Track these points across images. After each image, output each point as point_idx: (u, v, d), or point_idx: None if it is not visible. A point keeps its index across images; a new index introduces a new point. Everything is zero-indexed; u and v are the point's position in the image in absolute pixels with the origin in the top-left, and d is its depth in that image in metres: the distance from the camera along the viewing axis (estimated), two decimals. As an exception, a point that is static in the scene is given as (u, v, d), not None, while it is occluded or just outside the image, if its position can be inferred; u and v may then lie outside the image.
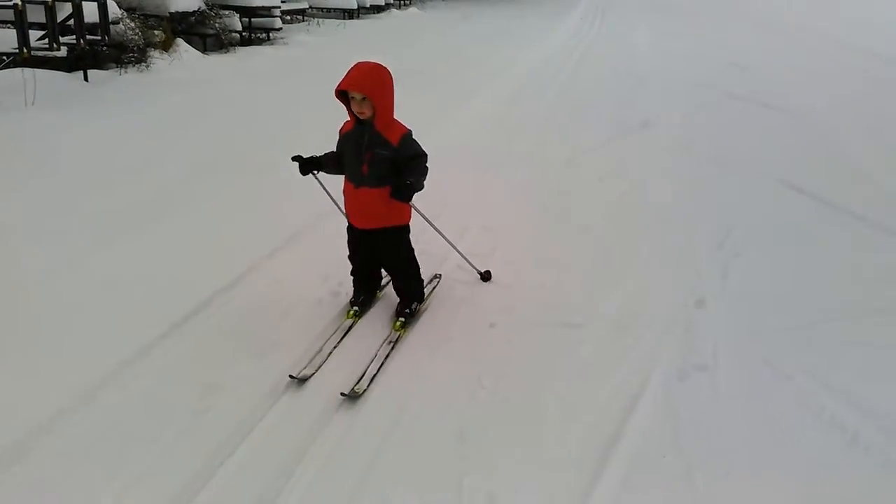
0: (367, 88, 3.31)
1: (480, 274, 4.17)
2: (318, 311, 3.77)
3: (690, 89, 10.27)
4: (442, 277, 4.16)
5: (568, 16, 19.78)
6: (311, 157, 3.66)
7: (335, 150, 3.65)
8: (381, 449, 2.74)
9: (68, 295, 3.78)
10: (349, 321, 3.69)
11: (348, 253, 3.82)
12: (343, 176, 3.62)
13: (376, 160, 3.43)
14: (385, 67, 3.41)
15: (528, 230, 4.99)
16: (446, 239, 4.02)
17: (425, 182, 3.50)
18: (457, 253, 4.16)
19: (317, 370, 3.24)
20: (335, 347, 3.44)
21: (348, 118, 3.52)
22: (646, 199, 5.68)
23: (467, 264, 4.18)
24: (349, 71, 3.34)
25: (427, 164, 3.51)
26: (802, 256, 4.62)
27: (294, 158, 3.65)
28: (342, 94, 3.40)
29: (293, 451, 2.73)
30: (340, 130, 3.61)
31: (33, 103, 7.61)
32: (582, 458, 2.73)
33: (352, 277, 3.88)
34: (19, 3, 7.49)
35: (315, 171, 3.67)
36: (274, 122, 7.60)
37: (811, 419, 2.98)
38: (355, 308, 3.77)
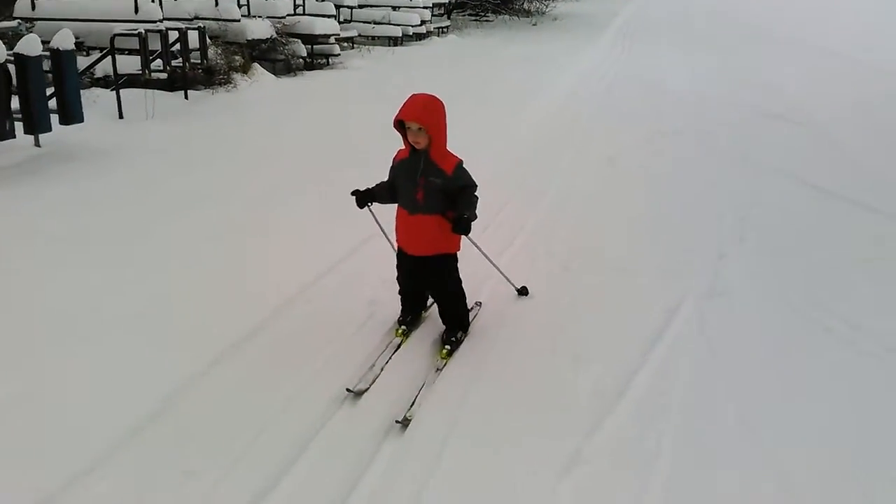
0: (423, 119, 3.46)
1: (517, 289, 4.43)
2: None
3: (714, 103, 11.50)
4: (483, 305, 4.30)
5: (598, 41, 21.02)
6: (367, 189, 3.83)
7: (387, 179, 3.83)
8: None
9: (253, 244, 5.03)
10: (398, 339, 3.84)
11: (396, 275, 4.00)
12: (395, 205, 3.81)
13: (430, 188, 3.58)
14: (439, 99, 3.57)
15: (578, 213, 6.16)
16: (487, 257, 4.26)
17: (477, 211, 3.66)
18: (497, 273, 4.41)
19: (371, 384, 3.42)
20: (387, 363, 3.62)
21: (403, 146, 3.68)
22: (678, 187, 6.91)
23: (506, 283, 4.43)
24: (405, 102, 3.51)
25: (477, 194, 3.68)
26: (805, 227, 5.86)
27: (352, 193, 3.83)
28: (399, 124, 3.57)
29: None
30: (394, 158, 3.77)
31: (153, 116, 9.00)
32: (641, 337, 3.96)
33: (399, 297, 4.04)
34: (143, 31, 8.91)
35: (370, 203, 3.84)
36: (347, 130, 8.86)
37: (799, 321, 4.24)
38: (403, 327, 3.89)
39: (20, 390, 3.28)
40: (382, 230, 4.05)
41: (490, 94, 11.82)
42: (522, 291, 4.44)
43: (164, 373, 3.43)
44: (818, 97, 12.14)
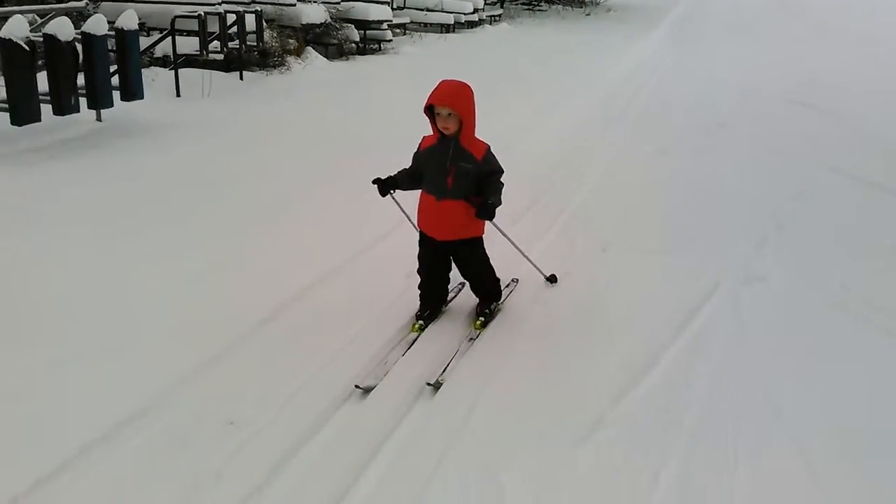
0: (453, 104, 3.48)
1: (546, 277, 4.41)
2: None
3: (761, 95, 11.49)
4: (519, 282, 4.37)
5: (652, 33, 20.81)
6: (389, 177, 3.82)
7: (409, 166, 3.84)
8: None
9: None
10: (413, 334, 3.76)
11: (417, 267, 3.96)
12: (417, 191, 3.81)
13: (460, 173, 3.59)
14: (469, 85, 3.58)
15: (620, 199, 6.23)
16: (514, 244, 4.25)
17: (502, 197, 3.70)
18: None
19: (380, 381, 3.32)
20: (399, 359, 3.53)
21: (431, 133, 3.69)
22: (722, 179, 6.92)
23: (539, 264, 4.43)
24: (436, 88, 3.52)
25: (503, 180, 3.71)
26: (845, 217, 5.90)
27: (374, 181, 3.82)
28: (428, 110, 3.58)
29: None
30: (419, 145, 3.76)
31: (209, 95, 9.30)
32: (675, 317, 4.04)
33: (419, 291, 3.98)
34: (202, 14, 9.20)
35: (392, 191, 3.84)
36: (396, 114, 9.00)
37: (831, 306, 4.29)
38: (420, 322, 3.84)
39: (88, 338, 3.52)
40: (407, 216, 4.04)
41: (539, 82, 11.88)
42: (552, 279, 4.41)
43: (211, 333, 3.63)
44: (859, 88, 12.10)
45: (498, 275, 4.02)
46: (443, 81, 3.57)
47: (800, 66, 14.43)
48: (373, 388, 3.27)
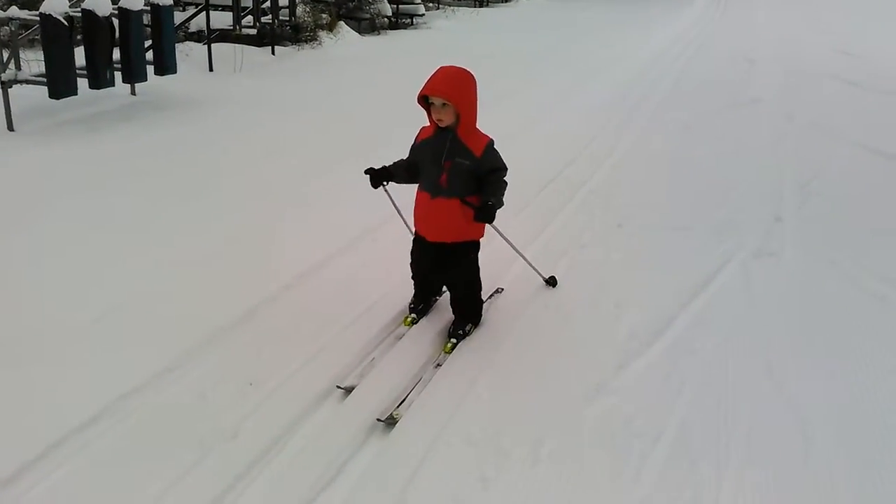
0: (448, 94, 3.16)
1: (546, 279, 4.11)
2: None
3: (798, 71, 11.34)
4: (504, 291, 4.05)
5: (691, 6, 20.51)
6: (382, 167, 3.51)
7: (406, 157, 3.53)
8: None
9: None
10: (404, 328, 3.61)
11: (410, 261, 3.72)
12: (414, 186, 3.51)
13: (457, 170, 3.27)
14: (470, 73, 3.26)
15: (642, 173, 6.31)
16: (514, 247, 3.87)
17: (504, 197, 3.32)
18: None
19: (362, 379, 3.18)
20: (384, 355, 3.39)
21: (428, 124, 3.38)
22: (748, 152, 6.95)
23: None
24: (432, 75, 3.22)
25: (506, 178, 3.36)
26: (868, 196, 5.86)
27: (366, 171, 3.51)
28: (423, 100, 3.26)
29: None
30: (416, 137, 3.46)
31: (241, 70, 9.47)
32: (685, 289, 4.12)
33: (413, 281, 3.76)
34: (236, -12, 9.35)
35: (385, 183, 3.53)
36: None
37: (842, 282, 4.31)
38: (413, 316, 3.67)
39: (115, 302, 3.72)
40: (400, 213, 3.76)
41: (572, 57, 11.87)
42: (551, 282, 4.10)
43: (244, 293, 3.82)
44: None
45: (486, 280, 3.69)
46: (441, 68, 3.27)
47: (837, 40, 14.15)
48: (354, 388, 3.17)
